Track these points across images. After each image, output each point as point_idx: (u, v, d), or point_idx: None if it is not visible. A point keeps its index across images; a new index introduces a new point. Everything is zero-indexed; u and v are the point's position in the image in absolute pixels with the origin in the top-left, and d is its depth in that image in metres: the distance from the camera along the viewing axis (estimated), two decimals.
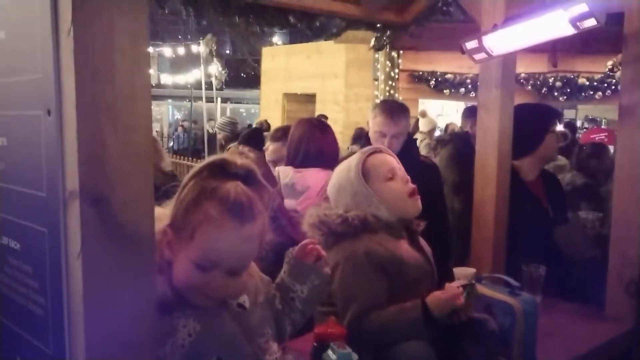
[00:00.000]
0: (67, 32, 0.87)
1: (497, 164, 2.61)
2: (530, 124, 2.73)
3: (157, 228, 1.24)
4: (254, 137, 5.32)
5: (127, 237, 0.91)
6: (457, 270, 2.22)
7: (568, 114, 12.76)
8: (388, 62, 8.45)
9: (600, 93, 9.44)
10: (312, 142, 2.87)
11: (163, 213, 1.31)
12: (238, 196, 1.25)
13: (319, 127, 3.03)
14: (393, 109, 3.31)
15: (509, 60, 2.57)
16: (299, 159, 2.84)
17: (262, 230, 1.30)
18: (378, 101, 6.89)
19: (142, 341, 0.93)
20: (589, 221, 2.74)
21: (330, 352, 1.41)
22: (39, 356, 1.02)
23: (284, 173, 2.81)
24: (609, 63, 9.13)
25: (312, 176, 2.72)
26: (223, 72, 11.27)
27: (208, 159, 1.33)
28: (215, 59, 10.85)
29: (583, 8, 1.94)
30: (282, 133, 3.76)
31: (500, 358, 1.75)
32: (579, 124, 11.73)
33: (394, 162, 1.96)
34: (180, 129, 17.62)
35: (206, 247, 1.23)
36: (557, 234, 2.69)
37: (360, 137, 5.78)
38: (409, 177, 1.93)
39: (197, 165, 1.34)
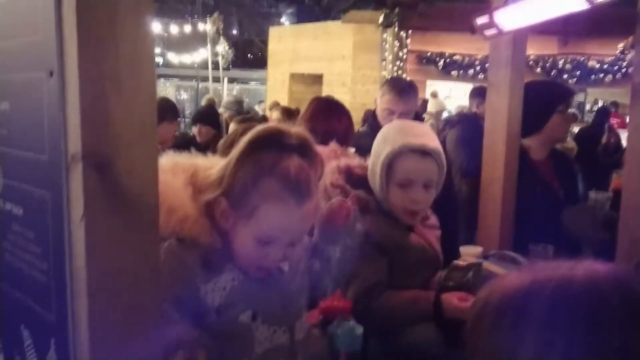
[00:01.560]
0: None
1: (506, 144, 2.58)
2: (537, 102, 2.69)
3: (183, 178, 1.31)
4: (209, 114, 5.25)
5: (130, 205, 0.89)
6: (464, 249, 2.21)
7: (577, 98, 12.67)
8: (396, 42, 8.37)
9: (610, 76, 9.37)
10: (317, 122, 2.84)
11: (193, 164, 1.36)
12: (298, 174, 1.26)
13: (326, 107, 2.99)
14: (402, 87, 3.30)
15: (519, 39, 2.53)
16: None
17: (318, 203, 1.33)
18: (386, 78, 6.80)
19: (146, 306, 0.91)
20: (598, 202, 2.71)
21: (335, 324, 1.40)
22: (41, 322, 1.01)
23: None
24: (620, 45, 9.05)
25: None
26: (230, 51, 11.21)
27: (259, 129, 1.31)
28: (222, 38, 10.78)
29: None
30: None
31: None
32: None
33: (424, 171, 1.80)
34: None
35: (268, 225, 1.26)
36: (565, 215, 2.67)
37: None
38: (421, 196, 1.81)
39: (248, 135, 1.31)
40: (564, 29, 8.57)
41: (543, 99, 2.76)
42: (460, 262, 1.72)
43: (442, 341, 1.62)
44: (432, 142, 1.82)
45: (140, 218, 0.90)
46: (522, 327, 0.79)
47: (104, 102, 0.87)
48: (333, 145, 2.67)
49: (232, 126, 4.04)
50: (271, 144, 1.28)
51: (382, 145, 1.82)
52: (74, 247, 0.90)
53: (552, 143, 2.88)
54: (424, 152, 1.79)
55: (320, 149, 2.75)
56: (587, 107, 11.80)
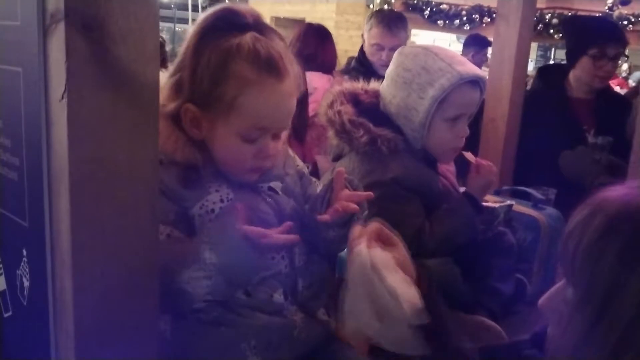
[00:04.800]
0: None
1: (512, 79, 2.42)
2: (571, 37, 2.52)
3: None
4: None
5: (125, 78, 0.71)
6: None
7: (560, 54, 12.55)
8: None
9: None
10: (306, 46, 2.70)
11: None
12: (267, 50, 1.09)
13: (317, 32, 2.85)
14: (391, 19, 3.11)
15: None
16: None
17: (297, 82, 1.16)
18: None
19: (141, 205, 0.75)
20: (597, 146, 2.57)
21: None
22: (12, 230, 0.84)
23: None
24: (609, 1, 8.88)
25: (317, 79, 2.54)
26: None
27: (207, 14, 1.14)
28: None
29: None
30: None
31: (518, 275, 1.62)
32: None
33: (474, 102, 1.64)
34: None
35: (252, 114, 1.10)
36: (562, 159, 2.52)
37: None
38: (467, 130, 1.65)
39: (196, 23, 1.14)
40: None
41: (575, 37, 2.58)
42: (490, 203, 1.57)
43: (456, 278, 1.49)
44: (477, 68, 1.65)
45: (137, 96, 0.72)
46: None
47: None
48: (337, 74, 2.54)
49: None
50: (225, 26, 1.11)
51: (426, 77, 1.59)
52: (54, 133, 0.72)
53: (584, 85, 2.61)
54: (474, 82, 1.61)
55: (320, 76, 2.62)
56: None
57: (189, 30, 1.19)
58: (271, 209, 1.20)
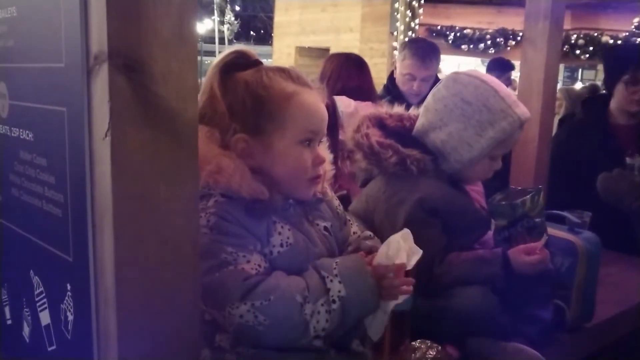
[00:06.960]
0: None
1: (542, 103, 2.41)
2: (608, 64, 2.51)
3: None
4: None
5: (165, 117, 0.73)
6: None
7: (587, 75, 12.42)
8: (409, 12, 8.12)
9: None
10: (350, 78, 2.74)
11: None
12: (291, 69, 1.24)
13: (356, 62, 2.88)
14: (424, 51, 3.13)
15: None
16: (337, 94, 2.68)
17: (321, 92, 1.28)
18: (405, 40, 6.29)
19: (181, 242, 0.76)
20: (635, 168, 2.54)
21: None
22: (56, 265, 0.86)
23: (345, 102, 2.64)
24: (635, 20, 8.81)
25: (367, 108, 2.60)
26: (235, 22, 10.99)
27: (222, 56, 1.25)
28: (228, 7, 10.53)
29: None
30: None
31: (557, 301, 1.59)
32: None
33: (517, 141, 1.68)
34: None
35: (304, 118, 1.20)
36: (599, 181, 2.50)
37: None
38: (501, 164, 1.67)
39: (214, 64, 1.24)
40: (579, 2, 8.34)
41: (612, 64, 2.58)
42: (518, 187, 1.58)
43: (494, 305, 1.47)
44: (526, 109, 1.66)
45: (177, 133, 0.74)
46: None
47: None
48: (384, 102, 2.58)
49: None
50: (243, 62, 1.25)
51: (488, 116, 1.56)
52: (97, 170, 0.74)
53: (624, 112, 2.62)
54: (523, 124, 1.63)
55: (366, 105, 2.66)
56: (598, 84, 11.55)
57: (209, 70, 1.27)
58: (325, 249, 1.25)
